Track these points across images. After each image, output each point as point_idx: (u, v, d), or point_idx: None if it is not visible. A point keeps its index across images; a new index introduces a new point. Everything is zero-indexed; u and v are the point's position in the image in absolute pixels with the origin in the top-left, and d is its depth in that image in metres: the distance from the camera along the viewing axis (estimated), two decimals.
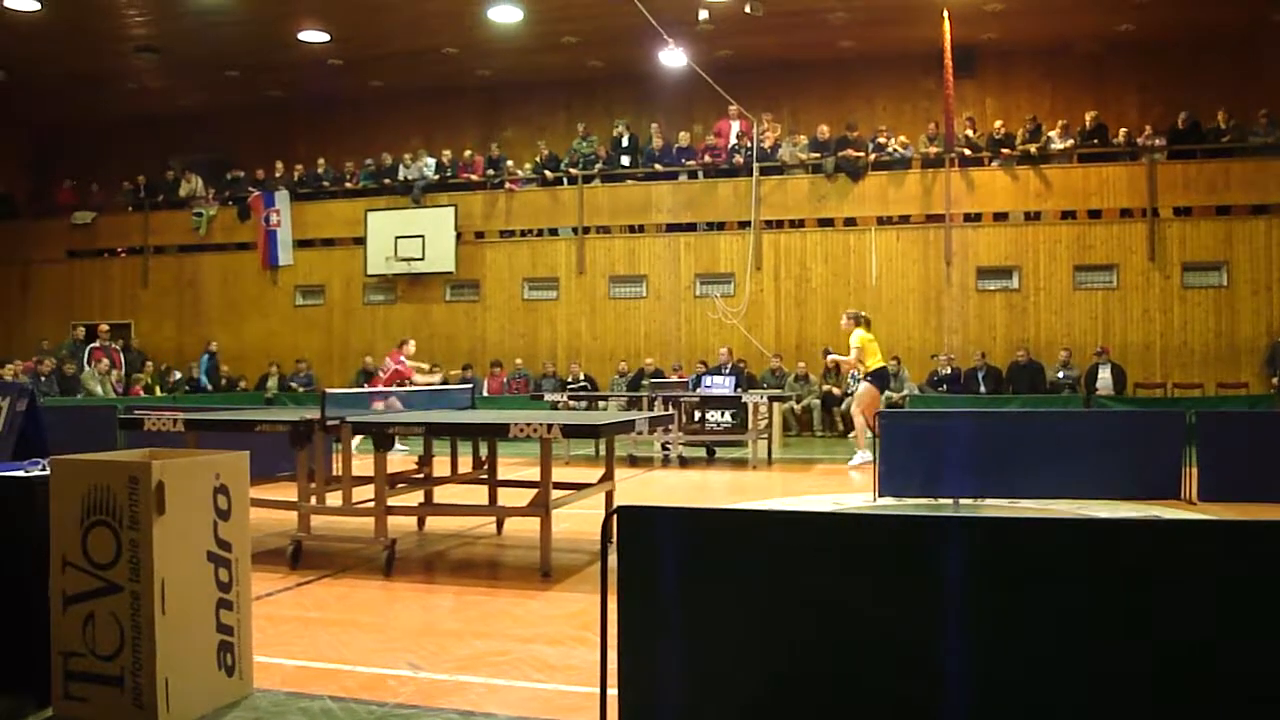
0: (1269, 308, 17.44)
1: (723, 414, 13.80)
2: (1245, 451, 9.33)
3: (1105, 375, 17.29)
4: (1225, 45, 18.70)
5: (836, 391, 18.11)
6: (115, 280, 23.74)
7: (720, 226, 20.37)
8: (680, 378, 17.57)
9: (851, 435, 15.45)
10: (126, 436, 8.70)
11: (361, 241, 21.66)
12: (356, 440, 7.04)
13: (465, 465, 8.72)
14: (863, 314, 13.62)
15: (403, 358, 15.31)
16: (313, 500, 7.06)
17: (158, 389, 20.21)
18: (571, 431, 6.81)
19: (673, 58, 17.72)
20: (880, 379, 13.29)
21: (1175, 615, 2.91)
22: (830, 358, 15.30)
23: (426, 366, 16.09)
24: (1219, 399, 16.56)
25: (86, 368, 18.86)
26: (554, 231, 21.28)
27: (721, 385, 14.71)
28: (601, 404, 15.52)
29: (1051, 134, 18.64)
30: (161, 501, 3.77)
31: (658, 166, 20.50)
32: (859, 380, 13.59)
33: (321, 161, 22.72)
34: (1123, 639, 2.93)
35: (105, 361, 18.91)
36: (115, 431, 9.45)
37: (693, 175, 20.53)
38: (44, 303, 23.63)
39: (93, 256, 24.03)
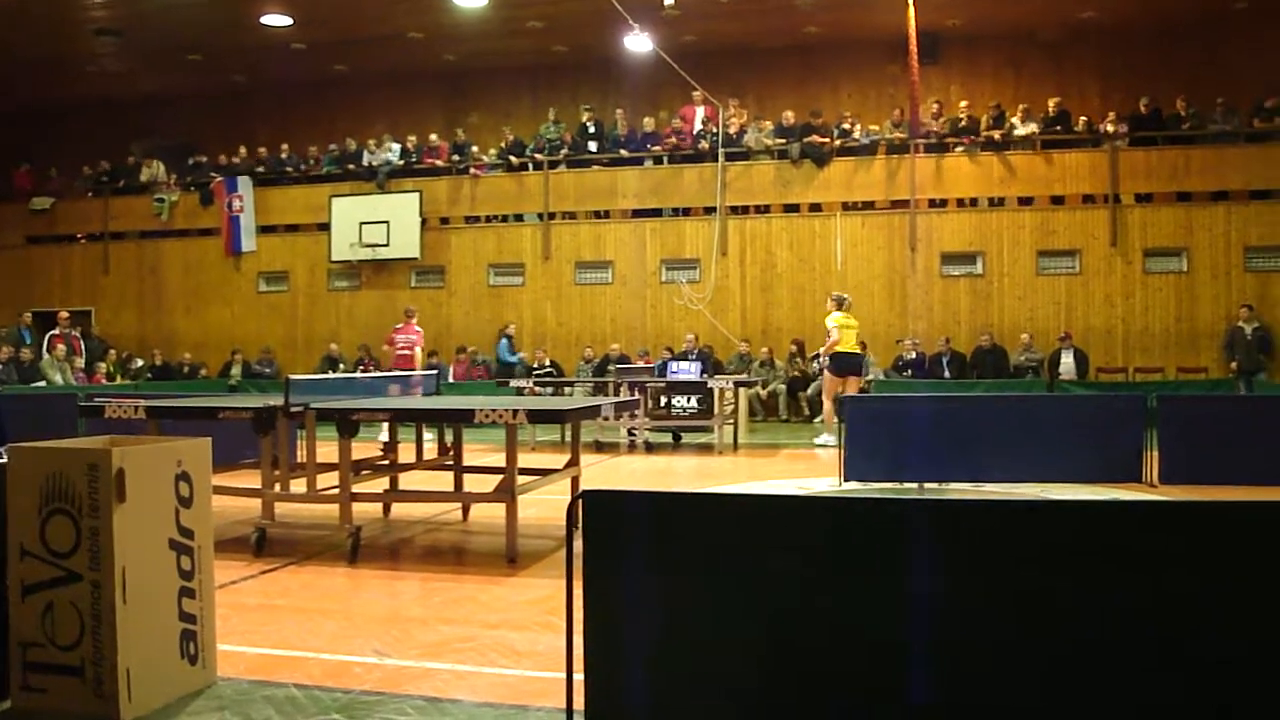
0: (1228, 293, 17.64)
1: (689, 399, 13.80)
2: (1205, 434, 9.44)
3: (1068, 360, 17.44)
4: (1186, 33, 18.86)
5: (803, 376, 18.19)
6: (75, 266, 23.44)
7: (686, 212, 20.37)
8: (646, 363, 17.56)
9: (818, 419, 15.65)
10: (87, 424, 8.59)
11: (326, 227, 21.50)
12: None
13: (431, 451, 8.69)
14: (842, 296, 14.06)
15: (417, 326, 15.55)
16: (277, 487, 7.01)
17: (119, 376, 20.01)
18: (537, 417, 6.80)
19: (638, 43, 17.65)
20: (838, 363, 13.67)
21: (1137, 596, 2.94)
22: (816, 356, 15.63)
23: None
24: (1179, 383, 16.74)
25: (46, 355, 18.64)
26: (519, 217, 21.22)
27: (687, 371, 14.72)
28: (567, 390, 15.52)
29: (1015, 120, 18.75)
30: (122, 489, 3.73)
31: (623, 152, 20.46)
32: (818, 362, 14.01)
33: (285, 147, 22.52)
34: (1086, 620, 2.96)
35: (62, 348, 18.67)
36: (76, 419, 9.34)
37: (658, 161, 20.50)
38: (1, 290, 23.27)
39: (52, 242, 23.69)
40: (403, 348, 15.16)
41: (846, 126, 19.56)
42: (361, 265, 21.43)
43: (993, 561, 3.06)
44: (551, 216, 20.73)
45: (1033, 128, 18.59)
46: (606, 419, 13.24)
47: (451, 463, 8.40)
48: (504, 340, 19.60)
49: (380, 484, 8.08)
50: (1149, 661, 2.92)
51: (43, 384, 17.68)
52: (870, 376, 17.65)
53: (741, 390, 14.95)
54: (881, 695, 3.11)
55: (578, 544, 3.33)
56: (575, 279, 20.58)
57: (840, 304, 13.88)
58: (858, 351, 14.03)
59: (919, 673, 3.06)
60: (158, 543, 3.95)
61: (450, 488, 8.13)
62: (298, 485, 7.12)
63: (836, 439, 13.56)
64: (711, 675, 3.25)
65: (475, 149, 21.45)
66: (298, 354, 21.38)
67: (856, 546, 3.17)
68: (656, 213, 20.46)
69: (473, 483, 8.02)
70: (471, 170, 21.10)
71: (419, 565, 6.86)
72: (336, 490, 6.78)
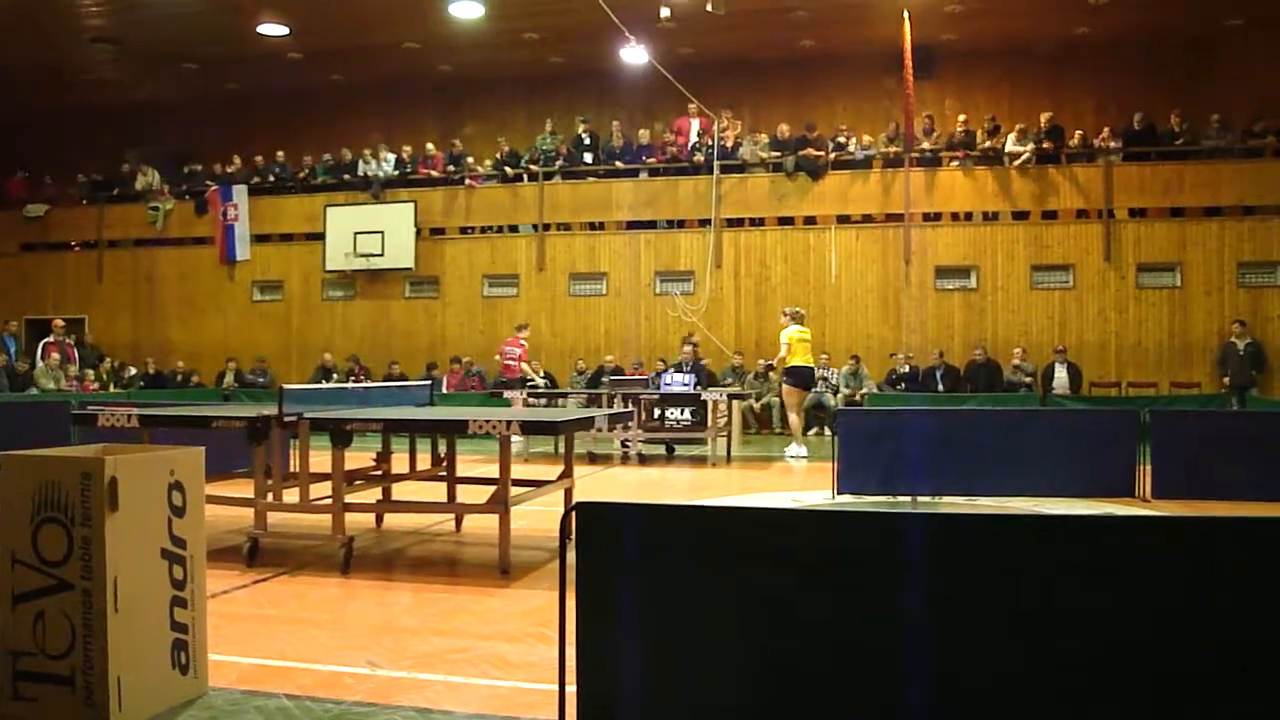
0: (1220, 308, 17.69)
1: (682, 411, 13.80)
2: (1197, 450, 9.47)
3: (1061, 374, 17.47)
4: (1179, 49, 18.97)
5: None
6: (69, 274, 23.38)
7: (681, 224, 20.38)
8: (640, 375, 17.56)
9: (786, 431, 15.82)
10: (80, 433, 8.57)
11: (320, 237, 21.48)
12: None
13: (424, 462, 8.67)
14: (798, 310, 14.29)
15: (522, 340, 16.16)
16: (269, 497, 7.00)
17: (112, 385, 19.97)
18: (531, 428, 6.79)
19: (634, 55, 17.70)
20: (795, 376, 13.89)
21: (1130, 611, 2.94)
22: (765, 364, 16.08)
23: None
24: (1172, 398, 16.78)
25: (40, 363, 18.60)
26: (514, 228, 21.20)
27: (681, 383, 14.72)
28: (561, 401, 15.50)
29: (1010, 135, 18.79)
30: (114, 498, 3.73)
31: (618, 164, 20.48)
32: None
33: (281, 156, 22.52)
34: (1079, 635, 2.96)
35: (56, 356, 18.63)
36: (69, 427, 9.32)
37: (653, 173, 20.51)
38: None
39: (46, 250, 23.64)
40: (507, 359, 16.52)
41: (841, 140, 19.60)
42: (356, 275, 21.42)
43: (988, 576, 3.06)
44: (546, 228, 20.73)
45: (1030, 146, 18.56)
46: (600, 431, 13.21)
47: (445, 474, 8.39)
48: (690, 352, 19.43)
49: (373, 494, 8.06)
50: (1144, 676, 2.92)
51: (32, 391, 17.63)
52: (864, 390, 17.74)
53: (735, 403, 14.96)
54: (877, 711, 3.11)
55: (571, 556, 3.32)
56: (569, 290, 20.58)
57: (796, 318, 14.02)
58: (813, 365, 14.25)
59: (915, 688, 3.06)
60: (150, 552, 3.94)
61: (443, 499, 8.11)
62: (290, 495, 7.10)
63: (806, 449, 13.82)
64: (704, 689, 3.24)
65: (470, 160, 21.45)
66: (291, 363, 21.35)
67: (851, 560, 3.17)
68: (651, 225, 20.46)
69: (466, 494, 8.01)
70: (466, 181, 21.11)
71: (412, 576, 6.84)
72: (329, 500, 6.77)
